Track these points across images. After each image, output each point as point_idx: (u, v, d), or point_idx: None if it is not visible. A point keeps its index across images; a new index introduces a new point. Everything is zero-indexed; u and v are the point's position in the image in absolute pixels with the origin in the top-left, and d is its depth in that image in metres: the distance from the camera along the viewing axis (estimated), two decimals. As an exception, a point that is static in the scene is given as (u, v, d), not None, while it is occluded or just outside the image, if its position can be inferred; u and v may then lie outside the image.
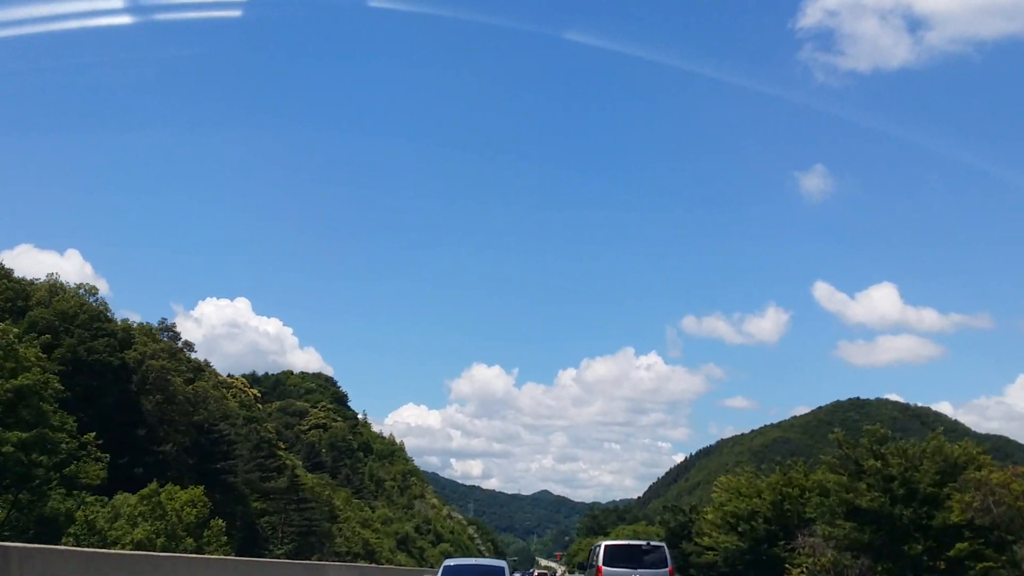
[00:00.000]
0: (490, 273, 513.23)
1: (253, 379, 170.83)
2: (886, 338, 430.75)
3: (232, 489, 54.10)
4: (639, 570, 23.27)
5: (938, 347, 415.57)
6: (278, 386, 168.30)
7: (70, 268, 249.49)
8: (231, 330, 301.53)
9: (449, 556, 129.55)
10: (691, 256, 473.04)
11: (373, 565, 61.17)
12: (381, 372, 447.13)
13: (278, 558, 55.53)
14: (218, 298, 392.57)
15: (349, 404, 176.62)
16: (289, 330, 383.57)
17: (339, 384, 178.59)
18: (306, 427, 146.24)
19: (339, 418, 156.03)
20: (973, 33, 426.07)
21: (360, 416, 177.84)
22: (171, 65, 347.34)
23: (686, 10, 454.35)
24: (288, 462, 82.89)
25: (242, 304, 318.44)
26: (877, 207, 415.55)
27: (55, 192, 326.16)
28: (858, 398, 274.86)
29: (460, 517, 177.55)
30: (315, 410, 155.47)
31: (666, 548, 24.76)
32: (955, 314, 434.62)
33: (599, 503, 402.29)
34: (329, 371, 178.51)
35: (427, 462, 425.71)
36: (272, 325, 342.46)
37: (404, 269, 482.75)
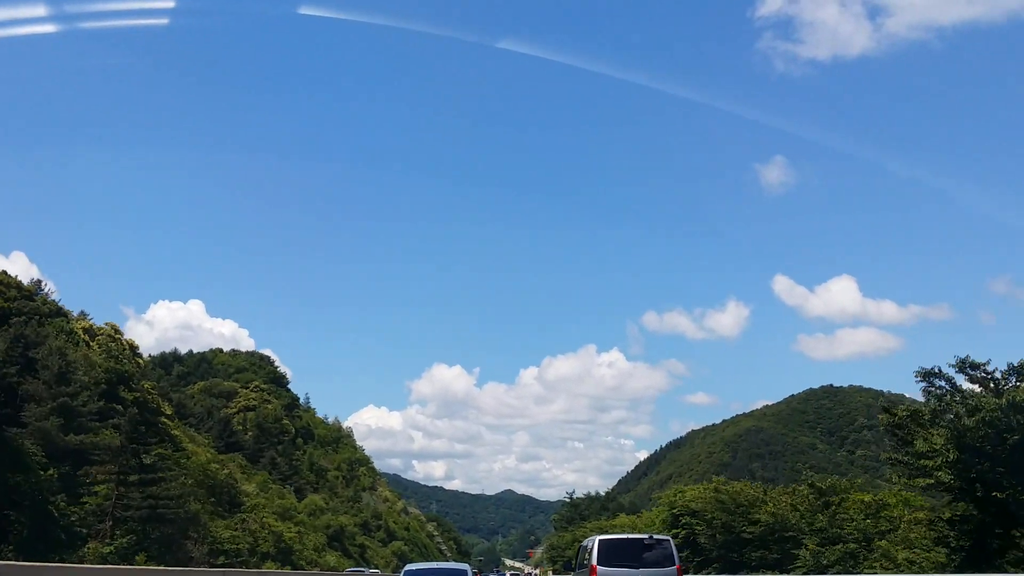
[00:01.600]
0: (450, 273, 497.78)
1: (175, 357, 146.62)
2: (845, 331, 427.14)
3: (7, 444, 31.51)
4: (641, 569, 19.82)
5: (897, 339, 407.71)
6: (202, 364, 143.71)
7: (16, 270, 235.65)
8: (184, 332, 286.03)
9: (403, 556, 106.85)
10: (651, 251, 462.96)
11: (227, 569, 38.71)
12: (341, 374, 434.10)
13: (103, 562, 32.94)
14: (171, 300, 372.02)
15: (288, 387, 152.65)
16: (245, 332, 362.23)
17: (276, 363, 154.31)
18: (234, 409, 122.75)
19: (273, 399, 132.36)
20: (933, 19, 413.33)
21: (302, 400, 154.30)
22: (109, 73, 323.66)
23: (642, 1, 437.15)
24: (167, 427, 60.17)
25: (196, 307, 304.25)
26: (837, 198, 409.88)
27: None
28: (831, 385, 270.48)
29: (418, 513, 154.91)
30: (246, 390, 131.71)
31: (672, 543, 20.95)
32: (914, 305, 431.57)
33: (565, 502, 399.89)
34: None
35: (389, 464, 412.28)
36: (227, 327, 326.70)
37: (362, 271, 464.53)
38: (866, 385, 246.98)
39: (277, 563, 55.72)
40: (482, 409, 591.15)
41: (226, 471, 59.85)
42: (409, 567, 18.03)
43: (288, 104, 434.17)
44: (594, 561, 20.15)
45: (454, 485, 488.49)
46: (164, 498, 37.78)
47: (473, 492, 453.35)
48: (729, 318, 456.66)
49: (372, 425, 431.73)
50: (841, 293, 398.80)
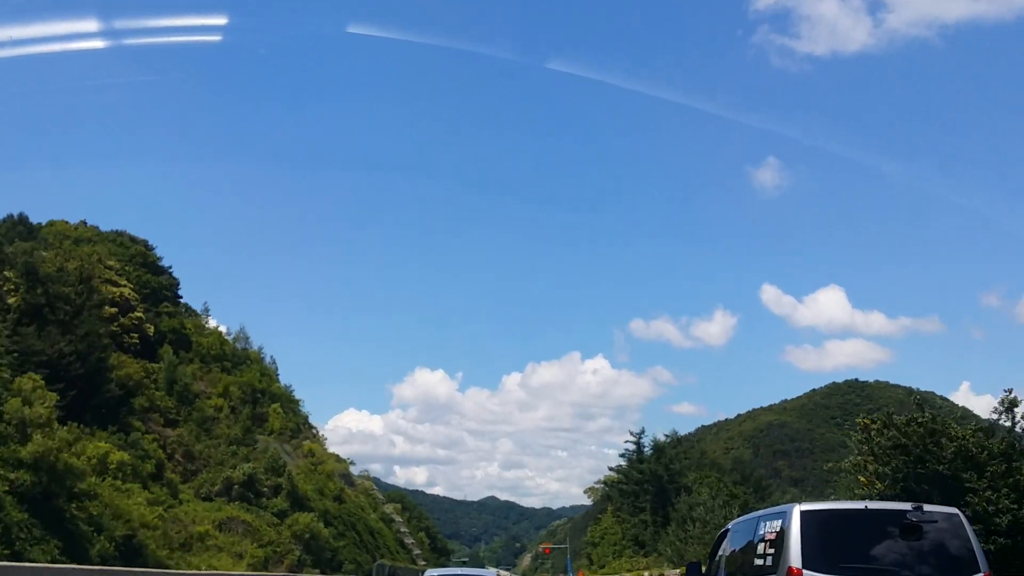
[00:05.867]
0: (433, 277, 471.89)
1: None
2: (834, 342, 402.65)
3: None
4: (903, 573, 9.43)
5: (885, 351, 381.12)
6: (19, 228, 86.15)
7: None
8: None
9: (316, 539, 52.20)
10: (638, 257, 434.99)
11: None
12: (322, 376, 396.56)
13: None
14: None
15: (176, 289, 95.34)
16: (223, 329, 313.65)
17: (154, 249, 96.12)
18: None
19: (123, 281, 75.26)
20: (935, 16, 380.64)
21: (200, 310, 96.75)
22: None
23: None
24: None
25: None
26: (828, 204, 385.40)
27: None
28: (856, 380, 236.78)
29: (370, 485, 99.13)
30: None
31: (964, 518, 9.90)
32: (904, 317, 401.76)
33: (549, 508, 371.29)
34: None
35: (370, 468, 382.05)
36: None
37: (344, 273, 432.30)
38: (892, 381, 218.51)
39: None
40: (465, 415, 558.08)
41: None
42: (431, 572, 18.18)
43: (276, 111, 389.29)
44: (794, 561, 9.35)
45: (436, 491, 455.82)
46: None
47: (456, 498, 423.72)
48: (716, 327, 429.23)
49: (353, 428, 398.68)
50: (830, 304, 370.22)
